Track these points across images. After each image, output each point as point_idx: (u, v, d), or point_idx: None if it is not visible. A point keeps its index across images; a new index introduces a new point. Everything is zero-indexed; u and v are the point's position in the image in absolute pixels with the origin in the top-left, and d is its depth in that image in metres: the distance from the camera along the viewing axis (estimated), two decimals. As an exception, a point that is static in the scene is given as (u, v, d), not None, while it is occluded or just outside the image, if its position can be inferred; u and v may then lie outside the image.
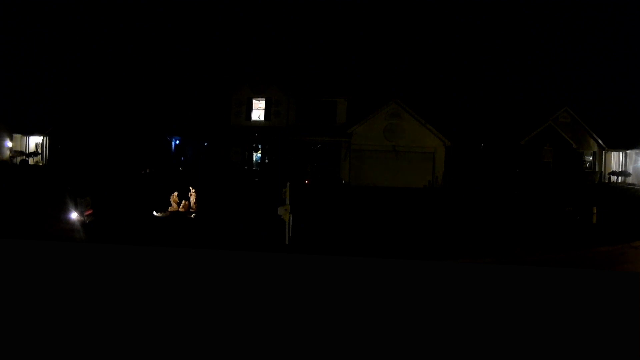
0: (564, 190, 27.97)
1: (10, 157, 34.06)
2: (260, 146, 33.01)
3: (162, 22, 66.30)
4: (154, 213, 18.19)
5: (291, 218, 14.07)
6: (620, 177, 34.71)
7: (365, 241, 14.99)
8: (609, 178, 35.25)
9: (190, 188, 18.82)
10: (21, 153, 34.39)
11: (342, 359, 3.56)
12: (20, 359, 3.65)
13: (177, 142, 35.20)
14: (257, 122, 32.57)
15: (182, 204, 18.57)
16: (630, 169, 34.95)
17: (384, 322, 3.64)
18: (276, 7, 71.86)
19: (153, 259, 3.99)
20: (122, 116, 35.66)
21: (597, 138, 35.07)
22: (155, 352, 3.64)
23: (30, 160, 33.80)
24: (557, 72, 56.80)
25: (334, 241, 14.95)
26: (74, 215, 15.92)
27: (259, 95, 32.57)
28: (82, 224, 15.74)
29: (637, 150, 34.52)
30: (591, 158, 35.83)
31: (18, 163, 33.39)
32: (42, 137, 34.65)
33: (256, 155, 33.37)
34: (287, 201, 14.07)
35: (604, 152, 35.72)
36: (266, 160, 33.07)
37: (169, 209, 18.45)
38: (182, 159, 34.10)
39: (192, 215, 18.21)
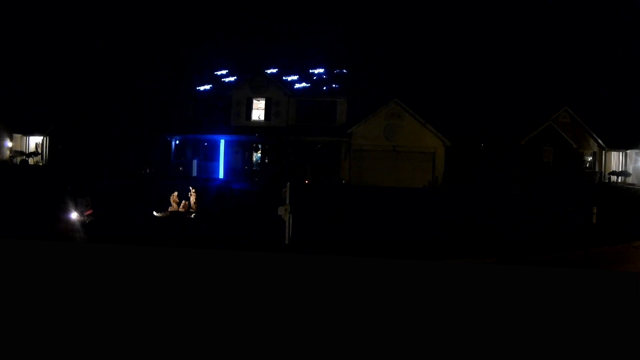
0: (564, 190, 27.96)
1: (10, 157, 34.05)
2: (260, 146, 33.01)
3: (162, 21, 66.26)
4: (154, 213, 18.19)
5: (291, 218, 14.06)
6: (620, 177, 34.70)
7: (365, 241, 14.98)
8: (609, 178, 35.25)
9: (190, 188, 18.82)
10: (21, 153, 34.38)
11: (342, 358, 3.56)
12: (21, 359, 3.65)
13: (177, 142, 35.15)
14: (257, 122, 32.57)
15: (182, 204, 18.57)
16: (630, 169, 34.94)
17: (383, 322, 3.64)
18: (276, 6, 71.84)
19: (153, 259, 3.99)
20: (122, 116, 35.65)
21: (597, 138, 35.06)
22: (155, 352, 3.64)
23: (30, 160, 33.79)
24: (557, 72, 56.72)
25: (334, 241, 14.93)
26: (74, 215, 15.92)
27: (259, 95, 32.58)
28: (82, 224, 15.74)
29: (637, 150, 34.51)
30: (591, 158, 35.81)
31: (18, 163, 33.38)
32: (42, 137, 34.65)
33: (256, 155, 33.36)
34: (287, 201, 14.06)
35: (604, 152, 35.71)
36: (266, 160, 33.06)
37: (169, 209, 18.44)
38: (182, 159, 34.06)
39: (192, 215, 18.21)
